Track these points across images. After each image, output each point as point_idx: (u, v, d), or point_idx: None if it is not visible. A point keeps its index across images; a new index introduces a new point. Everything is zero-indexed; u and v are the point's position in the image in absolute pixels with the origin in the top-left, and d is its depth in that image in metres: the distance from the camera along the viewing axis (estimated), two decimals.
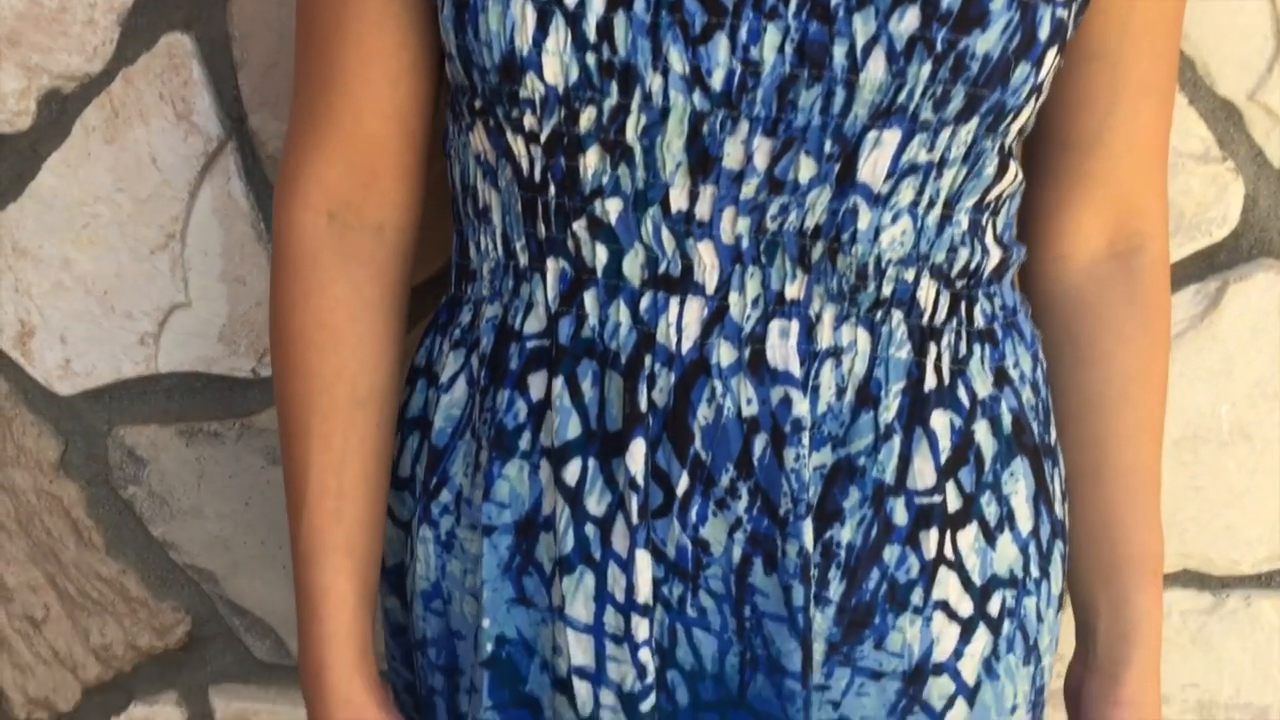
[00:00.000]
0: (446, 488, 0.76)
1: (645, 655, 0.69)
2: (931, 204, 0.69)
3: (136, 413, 1.04)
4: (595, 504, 0.70)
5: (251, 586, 1.09)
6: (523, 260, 0.72)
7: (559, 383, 0.70)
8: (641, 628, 0.69)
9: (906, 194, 0.68)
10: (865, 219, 0.67)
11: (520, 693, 0.74)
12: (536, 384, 0.72)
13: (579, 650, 0.71)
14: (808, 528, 0.68)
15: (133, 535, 1.08)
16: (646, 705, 0.70)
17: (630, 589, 0.69)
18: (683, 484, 0.70)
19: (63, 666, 1.12)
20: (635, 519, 0.69)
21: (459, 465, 0.75)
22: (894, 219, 0.68)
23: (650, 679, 0.70)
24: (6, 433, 1.04)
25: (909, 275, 0.70)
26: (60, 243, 0.99)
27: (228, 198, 0.97)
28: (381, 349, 0.76)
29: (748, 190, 0.66)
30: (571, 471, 0.70)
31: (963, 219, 0.71)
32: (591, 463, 0.70)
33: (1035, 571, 0.75)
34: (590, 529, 0.70)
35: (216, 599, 1.10)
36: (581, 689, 0.71)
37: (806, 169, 0.66)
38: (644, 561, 0.69)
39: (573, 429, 0.70)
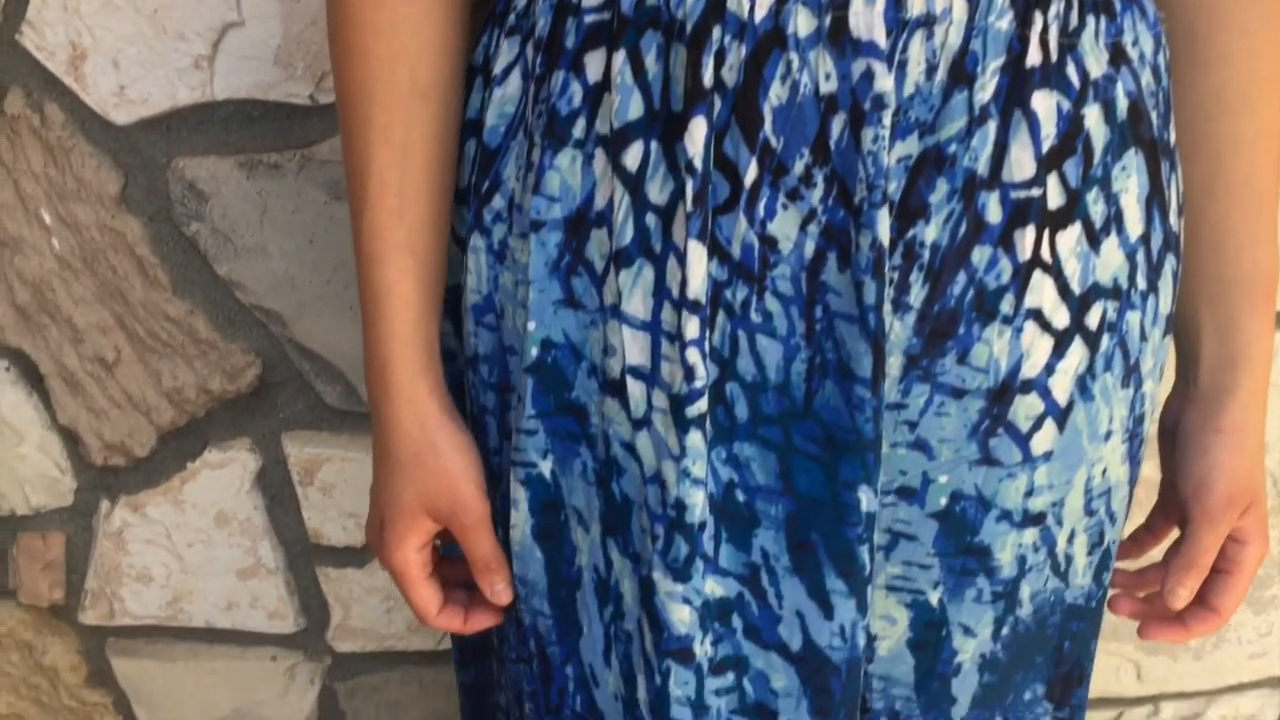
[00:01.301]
0: (499, 192, 0.71)
1: (694, 355, 0.64)
2: None
3: (195, 144, 1.00)
4: (657, 191, 0.65)
5: (319, 328, 1.06)
6: None
7: (619, 58, 0.64)
8: (691, 325, 0.64)
9: None
10: None
11: (565, 400, 0.70)
12: (594, 64, 0.66)
13: (635, 349, 0.66)
14: (882, 217, 0.62)
15: (198, 274, 1.05)
16: (693, 410, 0.65)
17: (684, 284, 0.64)
18: (750, 173, 0.63)
19: (136, 410, 1.12)
20: (690, 206, 0.63)
21: (511, 168, 0.70)
22: None
23: (698, 383, 0.65)
24: (66, 165, 1.01)
25: None
26: None
27: None
28: (442, 36, 0.70)
29: None
30: (632, 156, 0.65)
31: None
32: (653, 146, 0.64)
33: (1142, 283, 0.68)
34: (651, 219, 0.65)
35: (285, 342, 1.08)
36: (635, 390, 0.67)
37: None
38: (697, 254, 0.64)
39: (634, 109, 0.64)
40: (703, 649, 0.68)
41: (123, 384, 1.10)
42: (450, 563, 0.78)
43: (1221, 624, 0.78)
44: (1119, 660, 1.14)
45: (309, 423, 1.13)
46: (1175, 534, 0.78)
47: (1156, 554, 0.81)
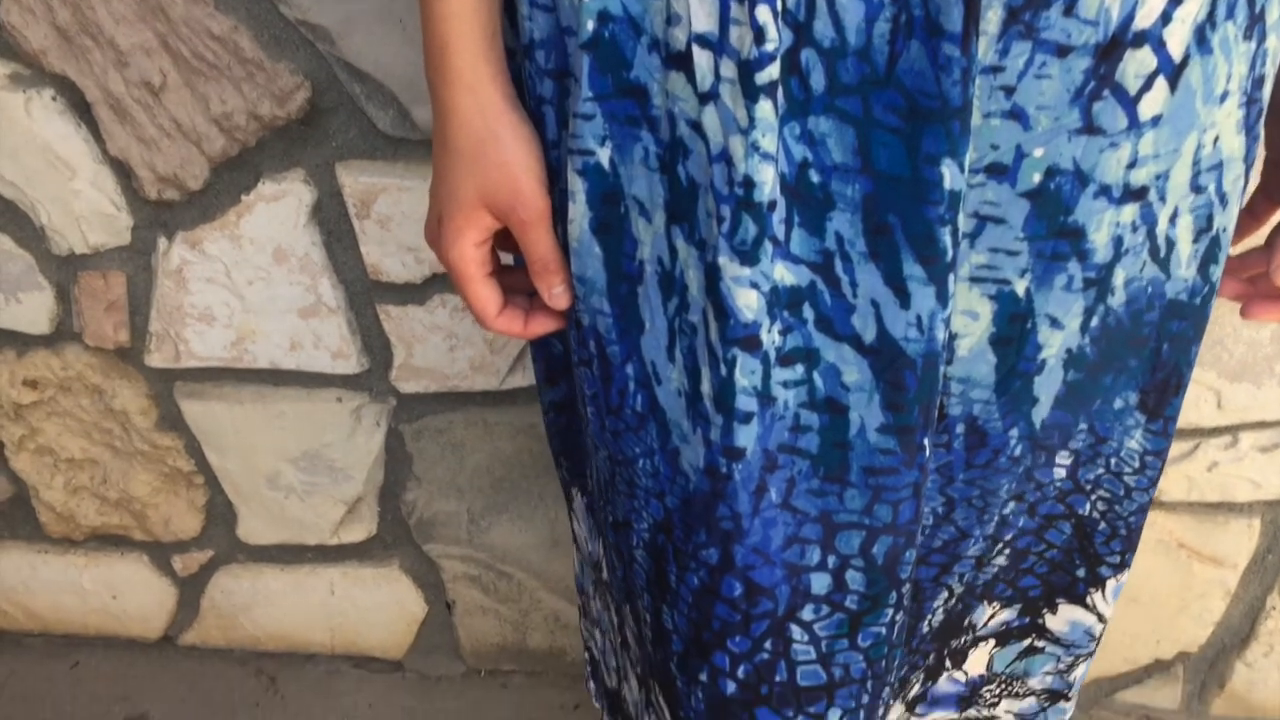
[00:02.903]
0: None
1: (764, 14, 0.58)
2: None
3: None
4: None
5: (368, 45, 1.01)
6: None
7: None
8: None
9: None
10: None
11: (624, 80, 0.64)
12: None
13: (701, 13, 0.60)
14: None
15: None
16: (763, 76, 0.60)
17: None
18: None
19: (187, 140, 1.09)
20: None
21: None
22: None
23: (769, 45, 0.59)
24: None
25: None
26: None
27: None
28: None
29: None
30: None
31: None
32: None
33: None
34: None
35: (334, 62, 1.03)
36: (702, 59, 0.61)
37: None
38: None
39: None
40: (770, 337, 0.65)
41: (171, 110, 1.07)
42: (511, 271, 0.75)
43: None
44: (1199, 389, 1.10)
45: (363, 151, 1.09)
46: (1278, 217, 0.73)
47: (1258, 239, 0.76)
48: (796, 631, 0.69)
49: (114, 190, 1.14)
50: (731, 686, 0.71)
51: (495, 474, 1.32)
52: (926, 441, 0.67)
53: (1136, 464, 0.77)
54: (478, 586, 1.44)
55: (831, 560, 0.68)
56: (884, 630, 0.70)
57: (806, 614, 0.69)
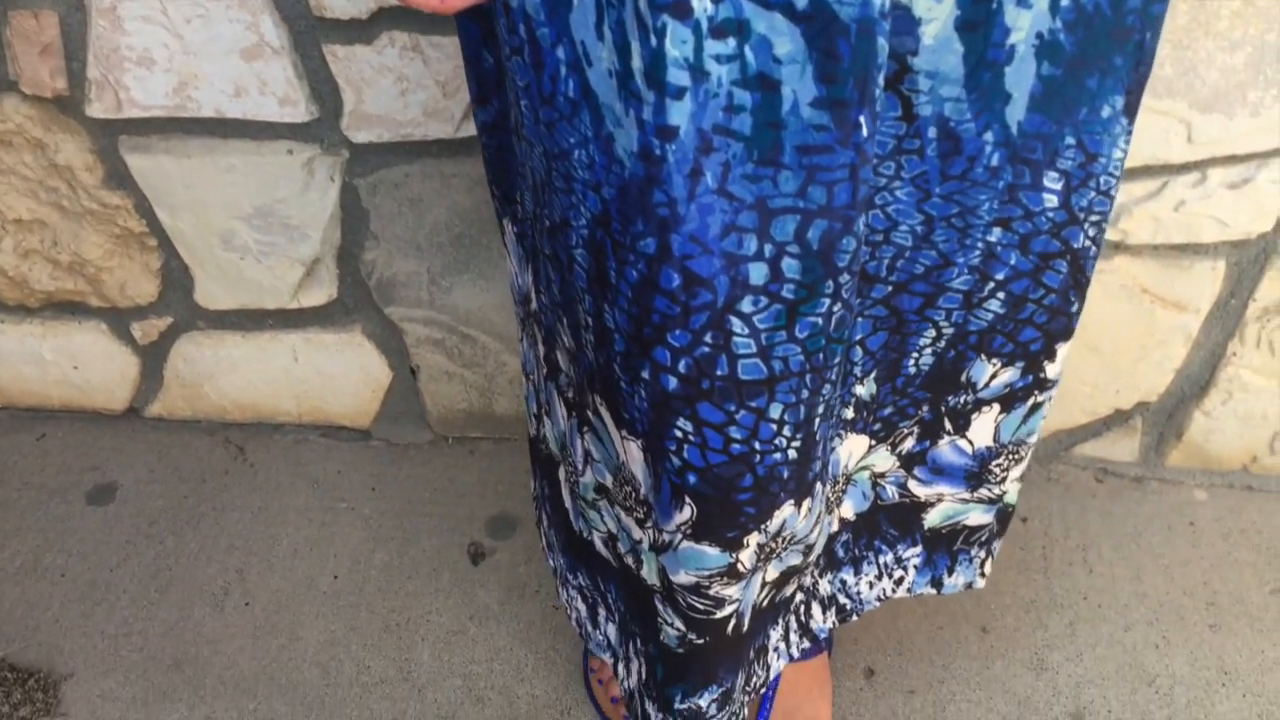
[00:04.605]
0: None
1: None
2: None
3: None
4: None
5: None
6: None
7: None
8: None
9: None
10: None
11: None
12: None
13: None
14: None
15: None
16: None
17: None
18: None
19: None
20: None
21: None
22: None
23: None
24: None
25: None
26: None
27: None
28: None
29: None
30: None
31: None
32: None
33: None
34: None
35: None
36: None
37: None
38: None
39: None
40: (701, 4, 0.62)
41: None
42: None
43: None
44: (1169, 121, 1.07)
45: None
46: None
47: None
48: (736, 324, 0.68)
49: None
50: (673, 382, 0.70)
51: (454, 230, 1.30)
52: (863, 119, 0.64)
53: (1117, 174, 0.75)
54: (441, 351, 1.43)
55: (768, 249, 0.66)
56: (820, 320, 0.69)
57: (745, 306, 0.68)
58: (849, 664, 1.28)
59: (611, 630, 1.00)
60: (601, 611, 1.00)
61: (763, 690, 1.06)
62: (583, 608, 1.04)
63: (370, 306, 1.40)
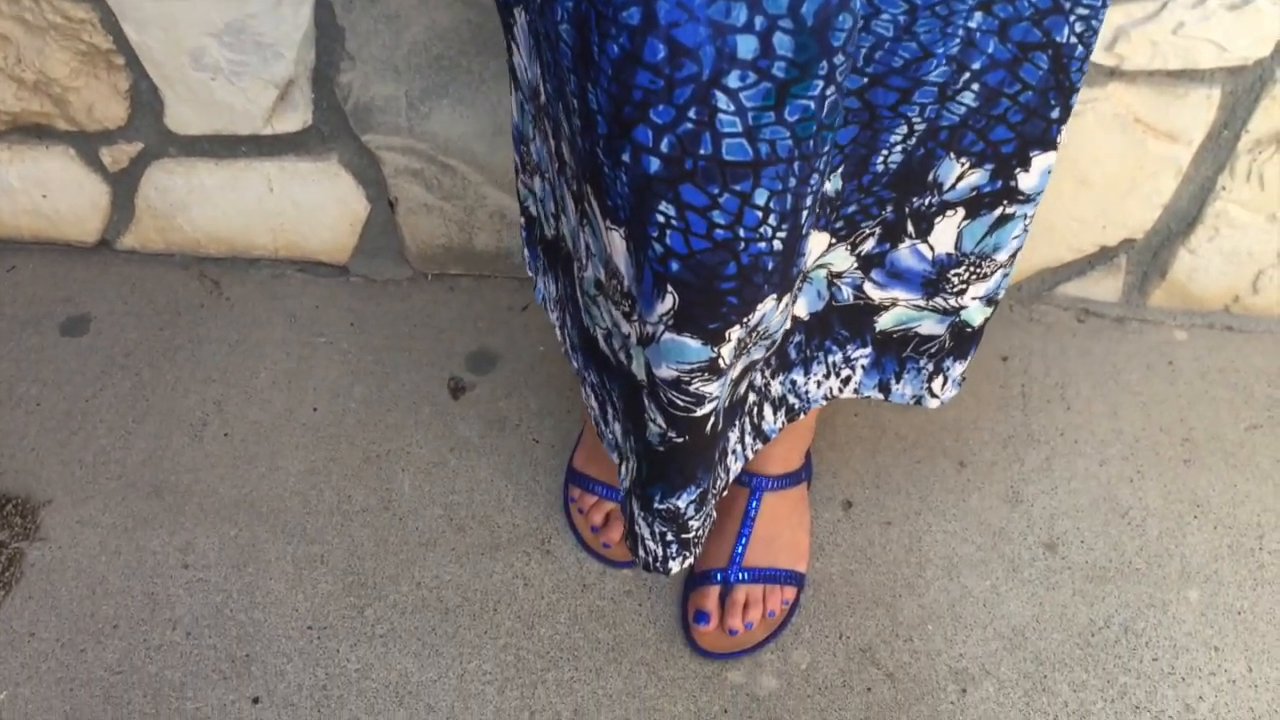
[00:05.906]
0: None
1: None
2: None
3: None
4: None
5: None
6: None
7: None
8: None
9: None
10: None
11: None
12: None
13: None
14: None
15: None
16: None
17: None
18: None
19: None
20: None
21: None
22: None
23: None
24: None
25: None
26: None
27: None
28: None
29: None
30: None
31: None
32: None
33: None
34: None
35: None
36: None
37: None
38: None
39: None
40: None
41: None
42: None
43: None
44: None
45: None
46: None
47: None
48: (722, 100, 0.66)
49: None
50: (655, 164, 0.68)
51: (433, 51, 1.26)
52: None
53: None
54: (420, 182, 1.40)
55: (759, 21, 0.63)
56: (812, 105, 0.67)
57: (732, 81, 0.65)
58: (827, 496, 1.29)
59: (617, 429, 1.00)
60: (609, 410, 1.01)
61: (723, 492, 1.06)
62: (596, 405, 1.04)
63: (347, 134, 1.36)
